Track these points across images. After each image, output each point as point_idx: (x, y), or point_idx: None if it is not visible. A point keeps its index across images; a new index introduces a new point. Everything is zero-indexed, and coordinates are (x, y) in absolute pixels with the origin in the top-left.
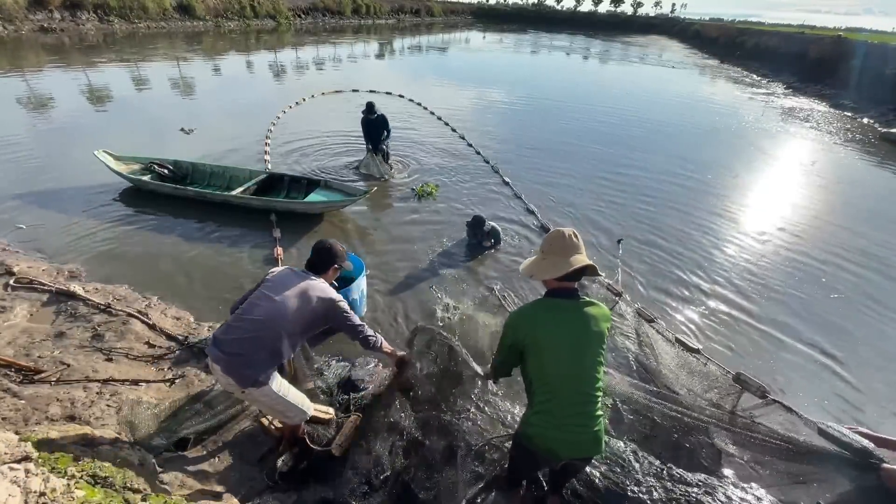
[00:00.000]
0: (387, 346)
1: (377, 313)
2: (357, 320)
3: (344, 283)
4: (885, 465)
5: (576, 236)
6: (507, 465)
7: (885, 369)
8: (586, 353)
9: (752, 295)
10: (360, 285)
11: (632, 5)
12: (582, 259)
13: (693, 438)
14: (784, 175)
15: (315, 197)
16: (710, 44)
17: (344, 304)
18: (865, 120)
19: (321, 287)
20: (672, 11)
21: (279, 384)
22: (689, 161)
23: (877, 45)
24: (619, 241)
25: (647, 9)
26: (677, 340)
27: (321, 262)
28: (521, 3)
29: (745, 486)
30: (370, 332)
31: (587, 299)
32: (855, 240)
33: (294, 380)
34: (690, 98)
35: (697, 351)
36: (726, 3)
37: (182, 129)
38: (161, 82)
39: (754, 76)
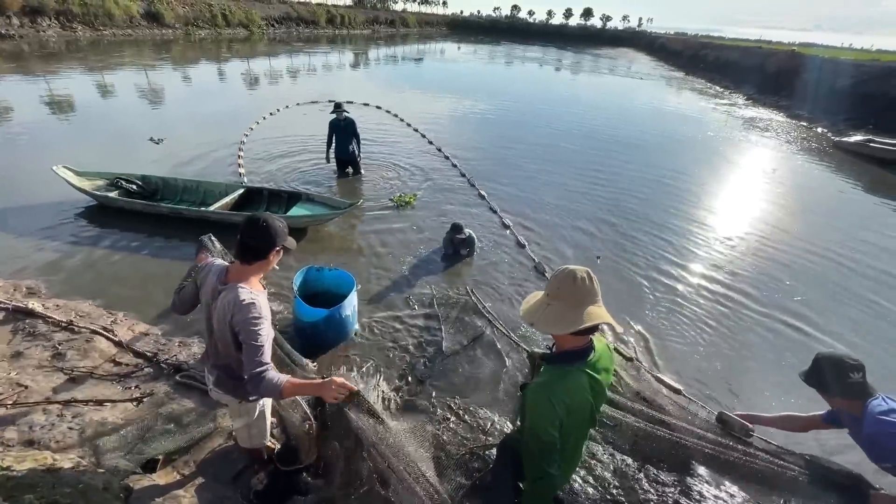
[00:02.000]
0: (297, 382)
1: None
2: (264, 346)
3: (335, 300)
4: (874, 492)
5: (589, 278)
6: (490, 475)
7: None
8: (596, 414)
9: (722, 298)
10: (353, 302)
11: (601, 19)
12: (598, 314)
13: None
14: (749, 182)
15: (297, 211)
16: (675, 56)
17: (254, 323)
18: (819, 129)
19: (233, 297)
20: (639, 25)
21: (266, 405)
22: (659, 168)
23: (827, 60)
24: (597, 258)
25: (616, 23)
26: (657, 380)
27: (263, 244)
28: (494, 15)
29: (720, 483)
30: (271, 371)
31: (599, 349)
32: (816, 242)
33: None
34: (659, 108)
35: (679, 391)
36: (689, 18)
37: (151, 139)
38: (128, 91)
39: (717, 87)
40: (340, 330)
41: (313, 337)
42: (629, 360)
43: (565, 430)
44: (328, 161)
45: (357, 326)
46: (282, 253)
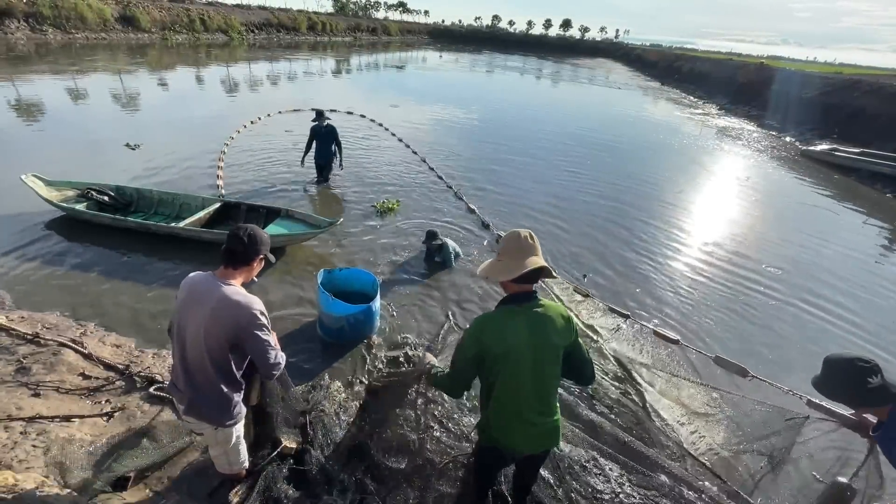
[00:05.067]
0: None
1: None
2: (273, 344)
3: (350, 297)
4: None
5: (532, 237)
6: (472, 478)
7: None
8: (545, 359)
9: (699, 304)
10: (378, 300)
11: (579, 30)
12: (536, 261)
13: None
14: (724, 189)
15: (275, 229)
16: (650, 67)
17: (263, 320)
18: (788, 138)
19: (236, 295)
20: (616, 37)
21: (241, 428)
22: (637, 176)
23: (794, 72)
24: (584, 276)
25: (594, 34)
26: (655, 333)
27: (244, 251)
28: (475, 25)
29: (699, 484)
30: (282, 362)
31: (543, 301)
32: (788, 250)
33: (259, 411)
34: (637, 117)
35: (676, 342)
36: (664, 30)
37: (127, 145)
38: (102, 96)
39: (691, 98)
40: (373, 322)
41: (352, 332)
42: (625, 316)
43: (499, 351)
44: (302, 165)
45: (376, 324)
46: (264, 262)
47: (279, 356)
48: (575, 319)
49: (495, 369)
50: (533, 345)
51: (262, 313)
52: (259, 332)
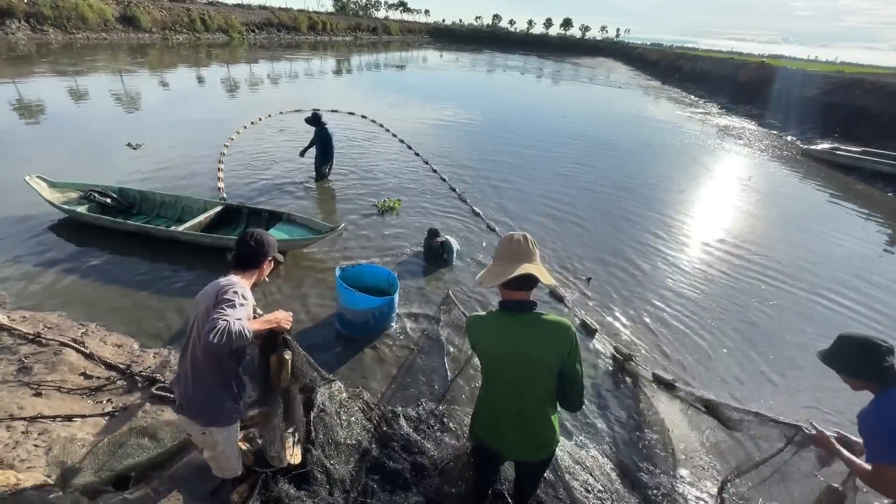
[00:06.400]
0: (257, 325)
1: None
2: (230, 314)
3: (376, 295)
4: (816, 433)
5: (526, 240)
6: (472, 477)
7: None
8: (526, 374)
9: (702, 304)
10: (396, 297)
11: (580, 29)
12: (526, 267)
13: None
14: (726, 189)
15: (276, 233)
16: (651, 66)
17: (233, 297)
18: (789, 137)
19: (223, 280)
20: (617, 36)
21: (235, 433)
22: (639, 176)
23: (795, 71)
24: (588, 280)
25: (595, 33)
26: (655, 377)
27: (253, 255)
28: (476, 24)
29: (700, 485)
30: (235, 322)
31: (541, 315)
32: (790, 249)
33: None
34: (638, 117)
35: (674, 385)
36: (665, 29)
37: (129, 144)
38: (103, 96)
39: (692, 97)
40: (394, 314)
41: (377, 324)
42: (628, 358)
43: (481, 353)
44: (301, 156)
45: (395, 315)
46: (273, 263)
47: (234, 326)
48: (577, 341)
49: (482, 369)
50: (514, 356)
51: (235, 292)
52: (224, 305)
